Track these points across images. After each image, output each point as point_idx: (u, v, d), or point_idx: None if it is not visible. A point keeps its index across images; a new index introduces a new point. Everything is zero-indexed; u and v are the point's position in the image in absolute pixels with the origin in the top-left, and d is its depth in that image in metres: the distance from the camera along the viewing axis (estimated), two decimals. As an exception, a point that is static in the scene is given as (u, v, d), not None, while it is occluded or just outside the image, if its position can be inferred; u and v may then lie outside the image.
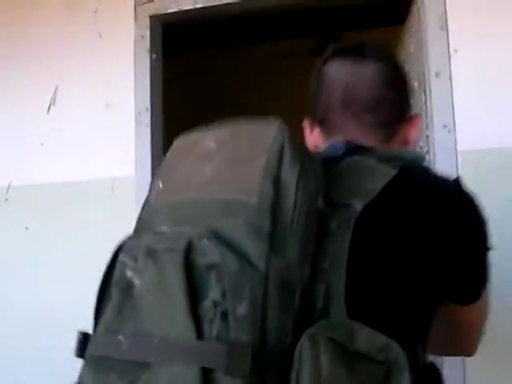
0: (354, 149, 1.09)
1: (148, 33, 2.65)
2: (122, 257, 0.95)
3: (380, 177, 1.00)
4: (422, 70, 2.32)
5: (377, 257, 0.98)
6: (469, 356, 1.31)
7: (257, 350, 0.79)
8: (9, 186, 2.77)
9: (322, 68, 1.19)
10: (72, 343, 0.97)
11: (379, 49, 1.20)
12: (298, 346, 0.83)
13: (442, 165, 2.21)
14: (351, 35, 3.79)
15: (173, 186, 1.00)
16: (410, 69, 2.39)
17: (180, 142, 1.05)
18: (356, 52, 1.17)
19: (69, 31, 2.75)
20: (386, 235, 0.99)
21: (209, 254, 0.83)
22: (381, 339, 0.88)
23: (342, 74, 1.17)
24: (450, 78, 2.24)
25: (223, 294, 0.81)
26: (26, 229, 2.72)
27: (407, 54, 2.54)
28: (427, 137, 2.28)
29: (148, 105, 2.59)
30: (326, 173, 0.96)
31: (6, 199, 2.77)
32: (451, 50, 2.25)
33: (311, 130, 1.23)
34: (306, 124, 1.25)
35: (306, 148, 1.05)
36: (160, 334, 0.84)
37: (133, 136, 2.58)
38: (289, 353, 0.83)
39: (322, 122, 1.19)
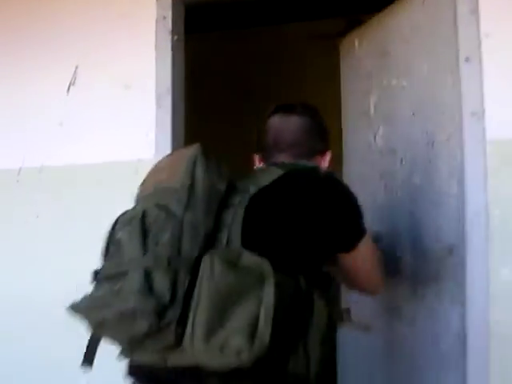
0: (273, 163, 1.79)
1: (170, 13, 2.59)
2: (118, 222, 1.61)
3: (272, 175, 1.68)
4: (450, 55, 2.24)
5: (263, 217, 1.61)
6: (372, 295, 2.19)
7: (173, 258, 1.47)
8: (20, 168, 2.72)
9: (267, 120, 1.86)
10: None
11: (306, 107, 1.87)
12: (202, 259, 1.46)
13: (469, 154, 2.14)
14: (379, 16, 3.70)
15: (147, 185, 1.69)
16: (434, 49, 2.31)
17: (156, 163, 1.74)
18: (287, 109, 1.85)
19: (90, 11, 2.70)
20: (271, 205, 1.63)
21: (153, 214, 1.53)
22: (258, 259, 1.47)
23: (275, 124, 1.85)
24: (480, 64, 2.17)
25: (157, 230, 1.51)
26: (37, 216, 2.68)
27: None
28: (455, 124, 2.21)
29: (169, 87, 2.54)
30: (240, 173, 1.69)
31: (18, 181, 2.73)
32: (482, 35, 2.17)
33: (259, 161, 1.89)
34: (255, 157, 1.90)
35: (216, 158, 1.63)
36: (130, 257, 1.51)
37: (153, 118, 2.53)
38: (196, 263, 1.46)
39: (264, 155, 1.87)
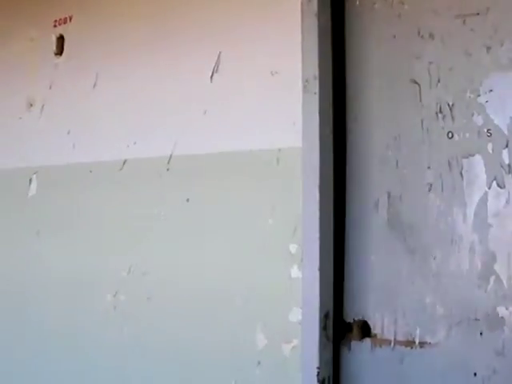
0: None
1: (316, -5, 2.48)
2: None
3: None
4: None
5: None
6: None
7: None
8: (171, 156, 2.73)
9: None
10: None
11: None
12: None
13: None
14: None
15: None
16: None
17: None
18: None
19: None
20: None
21: None
22: None
23: None
24: None
25: None
26: (187, 200, 2.68)
27: None
28: None
29: (316, 72, 2.43)
30: None
31: (168, 169, 2.74)
32: None
33: None
34: None
35: None
36: None
37: (300, 105, 2.44)
38: None
39: None
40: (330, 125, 2.45)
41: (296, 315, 2.37)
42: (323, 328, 2.34)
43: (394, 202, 2.31)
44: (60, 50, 3.16)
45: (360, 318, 2.34)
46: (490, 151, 2.06)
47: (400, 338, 2.26)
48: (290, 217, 2.39)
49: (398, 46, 2.36)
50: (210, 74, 2.65)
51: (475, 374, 2.09)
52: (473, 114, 2.11)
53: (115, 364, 2.88)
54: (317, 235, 2.34)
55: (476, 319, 2.09)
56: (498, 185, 2.06)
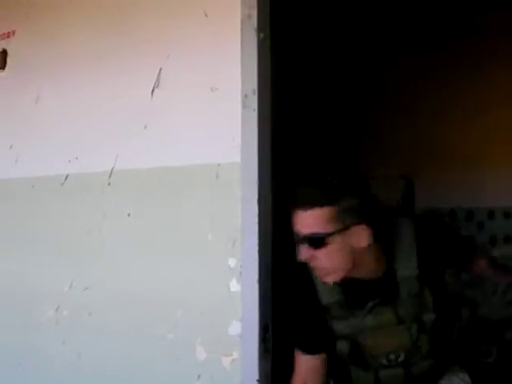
0: None
1: (255, 11, 2.51)
2: None
3: None
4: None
5: None
6: None
7: None
8: (112, 170, 2.73)
9: None
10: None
11: None
12: None
13: None
14: None
15: None
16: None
17: None
18: None
19: (173, 12, 2.65)
20: None
21: None
22: None
23: None
24: None
25: None
26: (129, 215, 2.68)
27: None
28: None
29: (255, 87, 2.46)
30: None
31: (109, 183, 2.74)
32: None
33: None
34: None
35: None
36: None
37: (239, 120, 2.46)
38: None
39: None
40: (269, 139, 2.49)
41: (235, 328, 2.38)
42: (262, 341, 2.36)
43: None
44: (3, 65, 3.13)
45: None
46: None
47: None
48: (229, 231, 2.42)
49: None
50: (151, 90, 2.66)
51: None
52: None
53: (58, 378, 2.86)
54: (256, 249, 2.37)
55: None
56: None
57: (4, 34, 3.16)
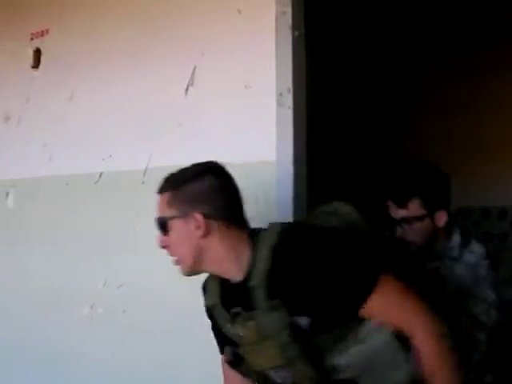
0: None
1: (290, 9, 2.49)
2: None
3: None
4: None
5: None
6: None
7: None
8: (146, 168, 2.73)
9: None
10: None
11: None
12: None
13: None
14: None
15: None
16: None
17: None
18: None
19: (208, 10, 2.65)
20: None
21: None
22: None
23: None
24: None
25: None
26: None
27: None
28: None
29: (290, 85, 2.45)
30: None
31: (143, 182, 2.74)
32: None
33: None
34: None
35: None
36: None
37: (274, 118, 2.45)
38: None
39: None
40: (304, 138, 2.47)
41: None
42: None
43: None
44: (37, 64, 3.16)
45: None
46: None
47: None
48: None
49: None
50: (185, 87, 2.65)
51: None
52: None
53: (92, 376, 2.87)
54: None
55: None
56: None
57: (38, 32, 3.18)
